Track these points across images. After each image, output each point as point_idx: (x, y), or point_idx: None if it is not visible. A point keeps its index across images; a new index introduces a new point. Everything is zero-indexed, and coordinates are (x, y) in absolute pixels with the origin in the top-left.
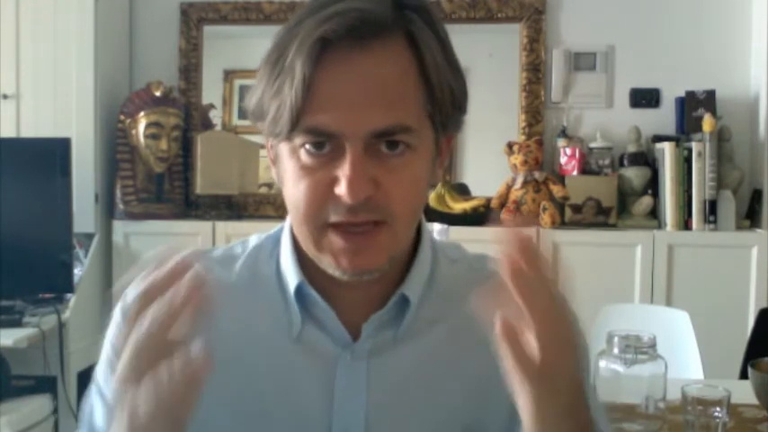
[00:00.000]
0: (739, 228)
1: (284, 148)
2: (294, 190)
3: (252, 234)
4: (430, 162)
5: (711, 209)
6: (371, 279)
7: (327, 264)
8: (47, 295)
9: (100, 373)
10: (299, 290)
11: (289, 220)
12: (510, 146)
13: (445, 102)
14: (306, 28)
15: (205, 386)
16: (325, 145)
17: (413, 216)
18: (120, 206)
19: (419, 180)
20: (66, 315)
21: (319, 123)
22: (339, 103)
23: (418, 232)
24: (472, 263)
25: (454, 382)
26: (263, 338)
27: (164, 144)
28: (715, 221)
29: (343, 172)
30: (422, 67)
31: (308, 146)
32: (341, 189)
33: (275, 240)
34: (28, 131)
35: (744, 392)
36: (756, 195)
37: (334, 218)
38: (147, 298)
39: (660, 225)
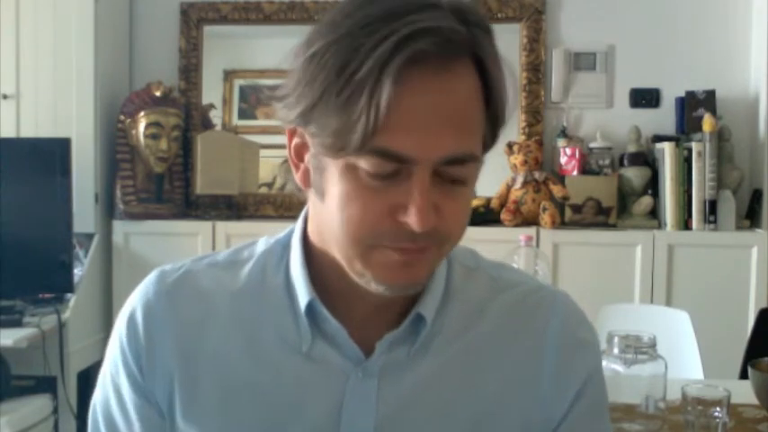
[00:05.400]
0: (739, 228)
1: (336, 162)
2: (345, 208)
3: (252, 234)
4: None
5: (711, 209)
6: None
7: (371, 277)
8: (47, 295)
9: (100, 402)
10: (309, 306)
11: (300, 225)
12: (510, 146)
13: (500, 130)
14: (386, 43)
15: (211, 400)
16: (389, 168)
17: (461, 239)
18: (120, 206)
19: (471, 204)
20: (67, 315)
21: (392, 146)
22: (417, 126)
23: None
24: (489, 271)
25: (466, 398)
26: (271, 351)
27: (164, 144)
28: (715, 221)
29: (413, 200)
30: (487, 94)
31: (371, 167)
32: (410, 217)
33: (284, 246)
34: (28, 131)
35: (744, 392)
36: (756, 195)
37: (389, 242)
38: None
39: (660, 225)
